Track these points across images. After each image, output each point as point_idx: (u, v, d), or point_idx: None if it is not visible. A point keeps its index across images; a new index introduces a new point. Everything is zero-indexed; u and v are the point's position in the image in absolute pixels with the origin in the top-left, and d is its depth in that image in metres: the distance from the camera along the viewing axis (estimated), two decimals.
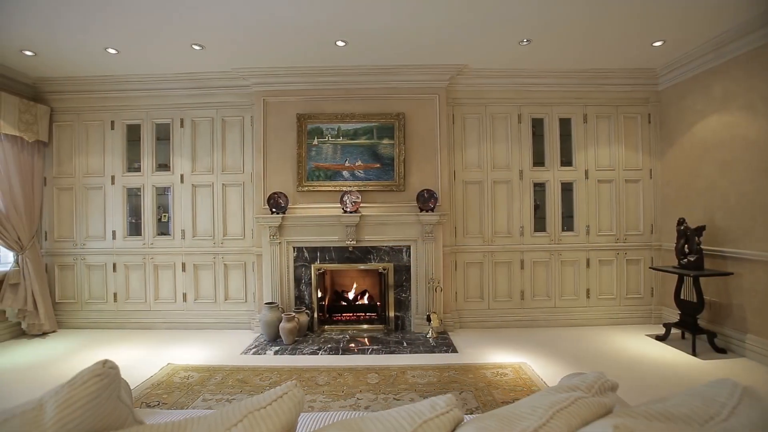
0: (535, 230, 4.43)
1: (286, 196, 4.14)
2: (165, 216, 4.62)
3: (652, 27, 3.35)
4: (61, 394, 0.96)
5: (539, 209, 4.52)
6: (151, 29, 3.31)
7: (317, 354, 3.60)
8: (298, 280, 4.20)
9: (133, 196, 4.57)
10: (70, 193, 4.46)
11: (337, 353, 3.61)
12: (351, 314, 4.45)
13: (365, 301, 4.56)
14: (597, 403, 1.01)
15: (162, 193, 4.56)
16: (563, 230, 4.43)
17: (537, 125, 4.49)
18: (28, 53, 3.65)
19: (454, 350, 3.65)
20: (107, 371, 1.01)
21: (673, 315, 4.01)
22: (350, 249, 4.16)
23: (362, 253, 4.19)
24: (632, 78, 4.33)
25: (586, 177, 4.41)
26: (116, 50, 3.65)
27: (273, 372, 3.22)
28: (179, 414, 1.43)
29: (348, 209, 4.07)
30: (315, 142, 4.22)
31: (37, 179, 4.27)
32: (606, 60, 4.04)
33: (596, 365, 3.28)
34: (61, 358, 3.56)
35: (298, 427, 1.20)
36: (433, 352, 3.61)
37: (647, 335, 3.99)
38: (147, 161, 4.44)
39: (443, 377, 3.09)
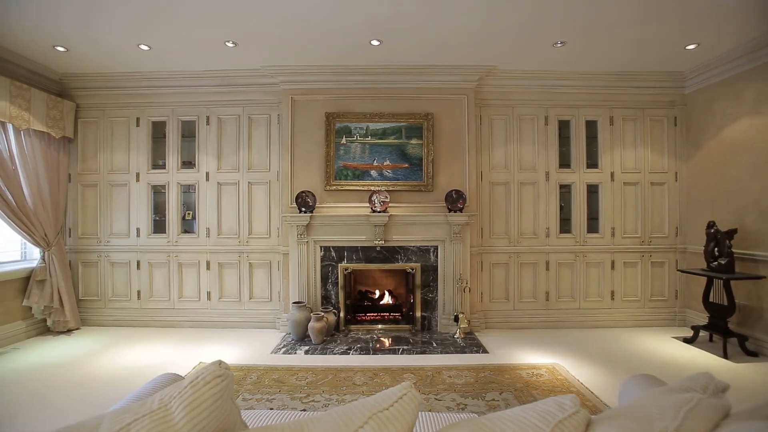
0: (561, 232, 4.44)
1: (314, 195, 4.13)
2: (189, 214, 4.60)
3: (690, 29, 3.36)
4: (187, 394, 0.95)
5: (564, 210, 4.54)
6: (188, 25, 3.29)
7: (348, 354, 3.59)
8: (324, 280, 4.19)
9: (158, 194, 4.55)
10: (94, 189, 4.44)
11: (368, 353, 3.61)
12: (375, 314, 4.44)
13: (389, 301, 4.56)
14: (718, 405, 1.01)
15: (187, 190, 4.53)
16: (588, 232, 4.44)
17: (563, 127, 4.50)
18: (60, 49, 3.62)
19: (485, 351, 3.65)
20: (226, 372, 1.00)
21: (698, 317, 4.04)
22: (378, 249, 4.16)
23: (389, 253, 4.18)
24: (659, 81, 4.34)
25: (612, 179, 4.42)
26: (149, 46, 3.62)
27: (308, 372, 3.21)
28: (269, 415, 1.42)
29: (377, 209, 4.06)
30: (343, 141, 4.21)
31: (62, 175, 4.24)
32: (635, 62, 4.06)
33: (630, 367, 3.28)
34: (90, 355, 3.53)
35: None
36: (464, 353, 3.62)
37: (674, 337, 4.01)
38: (172, 158, 4.41)
39: (480, 377, 3.10)
